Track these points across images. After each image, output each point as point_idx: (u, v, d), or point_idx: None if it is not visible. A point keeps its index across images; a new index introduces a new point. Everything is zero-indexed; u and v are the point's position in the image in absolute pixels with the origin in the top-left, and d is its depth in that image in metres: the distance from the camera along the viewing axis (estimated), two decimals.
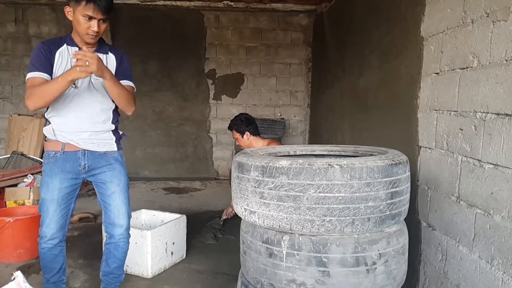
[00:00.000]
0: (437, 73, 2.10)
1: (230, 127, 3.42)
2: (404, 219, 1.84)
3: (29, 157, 5.23)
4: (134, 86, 2.12)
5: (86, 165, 2.07)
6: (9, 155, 5.21)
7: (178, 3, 5.30)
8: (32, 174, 4.30)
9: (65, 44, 2.00)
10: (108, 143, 2.11)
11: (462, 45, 1.87)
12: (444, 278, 1.99)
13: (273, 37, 5.92)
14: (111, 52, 2.09)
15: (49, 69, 1.95)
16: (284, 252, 1.67)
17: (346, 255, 1.62)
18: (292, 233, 1.67)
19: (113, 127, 2.12)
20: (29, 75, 1.92)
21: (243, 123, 3.38)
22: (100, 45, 2.06)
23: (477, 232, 1.74)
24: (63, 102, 1.99)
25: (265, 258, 1.74)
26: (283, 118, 6.02)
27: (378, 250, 1.65)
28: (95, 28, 1.90)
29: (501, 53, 1.60)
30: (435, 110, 2.11)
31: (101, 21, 1.92)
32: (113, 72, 2.01)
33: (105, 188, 2.12)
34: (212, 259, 3.02)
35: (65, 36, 2.03)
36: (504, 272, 1.56)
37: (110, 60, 2.07)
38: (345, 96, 4.04)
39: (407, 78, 2.47)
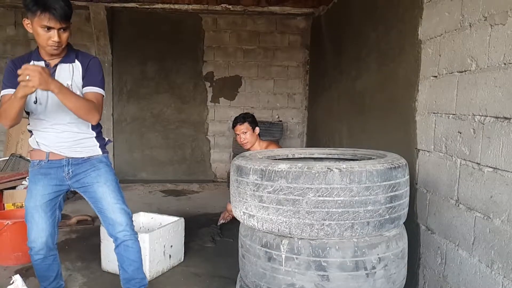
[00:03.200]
0: (435, 76, 2.10)
1: (243, 119, 3.37)
2: (403, 223, 1.84)
3: (28, 160, 5.20)
4: (102, 93, 1.98)
5: (70, 171, 2.04)
6: (7, 158, 5.18)
7: (176, 6, 5.29)
8: None
9: (32, 60, 1.94)
10: (92, 149, 2.08)
11: (460, 49, 1.87)
12: (443, 282, 1.99)
13: (270, 40, 5.92)
14: (78, 59, 1.99)
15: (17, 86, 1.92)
16: (283, 256, 1.67)
17: (345, 259, 1.62)
18: (291, 237, 1.67)
19: (94, 133, 2.07)
20: (1, 92, 1.94)
21: (255, 120, 3.43)
22: (66, 54, 1.96)
23: (476, 235, 1.73)
24: (36, 118, 1.97)
25: (264, 262, 1.73)
26: (280, 121, 6.02)
27: (378, 254, 1.65)
28: (56, 39, 1.81)
29: (499, 56, 1.60)
30: (434, 113, 2.11)
31: (61, 30, 1.83)
32: (78, 79, 1.94)
33: (93, 191, 2.07)
34: (210, 262, 3.00)
35: (34, 51, 1.98)
36: (505, 277, 1.56)
37: (76, 69, 1.97)
38: (343, 99, 4.05)
39: (405, 81, 2.47)
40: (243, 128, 3.35)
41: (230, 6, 5.29)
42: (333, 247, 1.62)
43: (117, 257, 2.16)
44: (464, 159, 1.83)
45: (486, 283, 1.66)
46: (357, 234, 1.61)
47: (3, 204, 3.99)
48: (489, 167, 1.65)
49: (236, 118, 3.42)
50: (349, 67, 3.84)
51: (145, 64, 5.86)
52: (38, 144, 2.03)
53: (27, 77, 1.65)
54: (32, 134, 2.05)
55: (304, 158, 2.32)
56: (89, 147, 2.07)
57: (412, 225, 2.24)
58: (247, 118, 3.39)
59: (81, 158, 2.05)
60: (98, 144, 2.09)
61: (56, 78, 1.88)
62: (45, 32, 1.81)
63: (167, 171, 6.07)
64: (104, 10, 5.28)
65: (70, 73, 1.94)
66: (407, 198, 1.78)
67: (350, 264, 1.62)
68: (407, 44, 2.45)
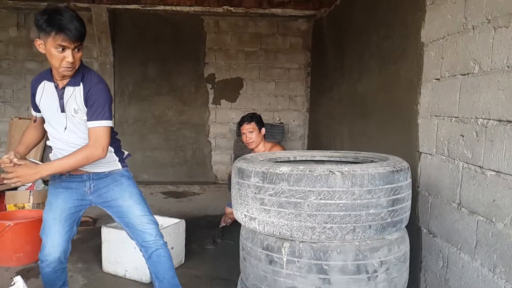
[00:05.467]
0: (438, 79, 2.09)
1: (251, 119, 3.37)
2: (405, 226, 1.83)
3: (30, 161, 5.20)
4: (103, 125, 1.87)
5: (91, 185, 2.03)
6: None
7: (178, 8, 5.30)
8: None
9: (44, 80, 1.96)
10: (112, 164, 2.07)
11: (463, 51, 1.87)
12: (445, 286, 1.98)
13: (272, 42, 5.93)
14: (82, 82, 1.92)
15: (35, 107, 2.04)
16: (285, 259, 1.66)
17: (347, 263, 1.61)
18: (292, 240, 1.66)
19: (112, 149, 2.07)
20: None
21: (261, 121, 3.44)
22: (74, 75, 1.90)
23: (479, 239, 1.72)
24: (55, 138, 1.99)
25: (265, 265, 1.72)
26: (282, 123, 6.02)
27: (379, 258, 1.64)
28: (70, 59, 1.78)
29: (502, 59, 1.60)
30: (436, 116, 2.10)
31: (76, 49, 1.81)
32: (82, 104, 1.90)
33: (118, 205, 2.06)
34: (210, 264, 3.00)
35: (47, 71, 1.97)
36: (507, 281, 1.55)
37: (78, 93, 1.92)
38: (344, 101, 4.04)
39: (407, 83, 2.46)
40: (250, 128, 3.36)
41: (231, 8, 5.30)
42: (334, 250, 1.61)
43: (150, 269, 2.11)
44: (467, 162, 1.82)
45: (488, 287, 1.65)
46: (359, 238, 1.60)
47: (5, 205, 3.99)
48: (492, 170, 1.64)
49: (243, 117, 3.43)
50: (350, 69, 3.84)
51: (146, 66, 5.87)
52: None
53: (13, 180, 1.76)
54: (52, 149, 2.06)
55: (305, 160, 2.31)
56: (109, 162, 2.05)
57: (413, 228, 2.23)
58: (254, 117, 3.40)
59: (102, 172, 2.04)
60: (117, 158, 2.09)
61: (64, 100, 1.90)
62: (59, 52, 1.77)
63: (168, 173, 6.07)
64: (106, 12, 5.30)
65: (76, 97, 1.91)
66: (409, 202, 1.77)
67: (351, 268, 1.61)
68: (409, 46, 2.45)
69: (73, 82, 1.91)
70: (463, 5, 1.87)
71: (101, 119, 1.87)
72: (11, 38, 5.69)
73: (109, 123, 1.89)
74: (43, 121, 2.07)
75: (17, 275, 2.12)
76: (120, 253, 2.75)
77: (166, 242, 2.11)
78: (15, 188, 4.15)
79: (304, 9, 5.37)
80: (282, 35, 5.93)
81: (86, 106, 1.89)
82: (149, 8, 5.31)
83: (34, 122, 2.11)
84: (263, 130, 3.43)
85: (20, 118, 5.67)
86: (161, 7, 5.28)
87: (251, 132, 3.35)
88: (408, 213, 1.78)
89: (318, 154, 2.32)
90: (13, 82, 5.78)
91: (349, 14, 3.96)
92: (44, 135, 2.14)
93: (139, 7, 5.28)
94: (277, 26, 5.90)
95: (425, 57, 2.24)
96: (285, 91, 6.05)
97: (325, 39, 5.02)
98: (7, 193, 4.05)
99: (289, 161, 2.26)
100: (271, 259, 1.70)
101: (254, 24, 5.87)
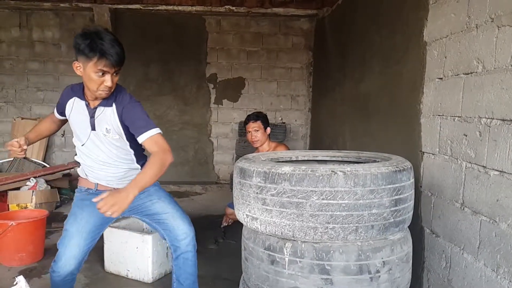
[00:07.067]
0: (441, 78, 2.08)
1: (257, 117, 3.37)
2: (408, 226, 1.82)
3: (32, 161, 5.23)
4: (155, 132, 1.86)
5: None
6: (12, 159, 5.20)
7: (180, 8, 5.30)
8: (34, 177, 4.29)
9: (74, 97, 1.97)
10: None
11: (466, 50, 1.86)
12: (448, 286, 1.97)
13: (274, 42, 5.92)
14: (115, 103, 1.92)
15: (60, 112, 2.10)
16: (287, 259, 1.65)
17: (349, 263, 1.60)
18: (294, 240, 1.65)
19: (139, 166, 2.09)
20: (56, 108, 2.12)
21: (267, 120, 3.43)
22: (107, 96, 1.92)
23: (482, 239, 1.71)
24: (84, 154, 2.01)
25: (267, 265, 1.72)
26: (284, 123, 6.01)
27: (382, 258, 1.63)
28: (109, 83, 1.80)
29: (506, 58, 1.58)
30: (439, 115, 2.09)
31: (114, 74, 1.82)
32: (116, 124, 1.92)
33: (147, 208, 2.07)
34: (212, 264, 2.99)
35: (80, 86, 1.96)
36: (510, 281, 1.54)
37: (113, 114, 1.92)
38: (347, 101, 4.03)
39: (410, 83, 2.45)
40: (256, 126, 3.35)
41: (233, 8, 5.29)
42: (336, 250, 1.60)
43: (174, 269, 2.11)
44: (470, 162, 1.81)
45: (492, 287, 1.64)
46: (361, 238, 1.59)
47: (8, 204, 4.00)
48: (495, 170, 1.63)
49: (249, 116, 3.43)
50: (353, 68, 3.83)
51: (148, 66, 5.87)
52: (87, 176, 2.07)
53: (108, 213, 1.63)
54: (80, 164, 2.09)
55: (307, 160, 2.30)
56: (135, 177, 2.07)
57: (416, 228, 2.22)
58: (260, 116, 3.40)
59: None
60: None
61: (96, 120, 1.91)
62: (98, 77, 1.78)
63: (170, 173, 6.00)
64: (108, 12, 5.30)
65: (109, 117, 1.92)
66: (412, 201, 1.76)
67: (354, 268, 1.60)
68: (412, 45, 2.44)
69: (106, 103, 1.91)
70: (466, 4, 1.86)
71: (150, 128, 1.86)
72: (14, 38, 5.70)
73: (158, 129, 1.88)
74: (61, 121, 2.16)
75: (19, 275, 2.12)
76: (122, 253, 2.75)
77: (196, 245, 2.10)
78: (18, 188, 4.17)
79: (306, 9, 5.36)
80: (284, 34, 5.92)
81: (125, 125, 1.90)
82: (151, 8, 5.32)
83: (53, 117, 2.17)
84: (268, 129, 3.43)
85: (22, 118, 5.69)
86: (163, 7, 5.28)
87: (257, 130, 3.35)
88: (411, 213, 1.77)
89: (320, 154, 2.31)
90: (15, 82, 5.79)
91: (352, 13, 3.94)
92: (57, 130, 2.22)
93: (141, 7, 5.29)
94: (279, 26, 5.89)
95: (428, 56, 2.22)
96: (287, 91, 6.04)
97: (327, 38, 5.01)
98: (10, 193, 4.06)
99: (291, 161, 2.25)
100: (273, 259, 1.69)
101: (256, 24, 5.86)
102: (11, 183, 4.12)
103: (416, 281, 2.22)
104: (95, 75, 1.77)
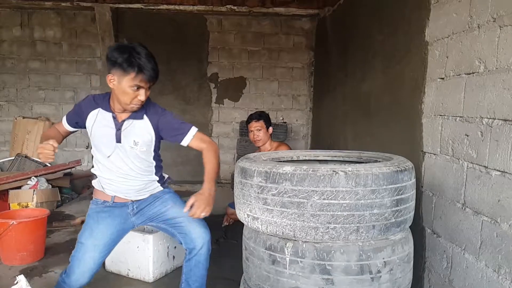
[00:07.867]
0: (442, 78, 2.08)
1: (259, 117, 3.37)
2: (409, 226, 1.81)
3: (33, 160, 5.23)
4: (195, 131, 2.03)
5: (134, 207, 2.08)
6: (13, 158, 5.22)
7: (181, 7, 5.30)
8: (35, 176, 4.30)
9: (99, 108, 1.96)
10: (155, 189, 2.15)
11: (468, 50, 1.85)
12: (449, 287, 1.96)
13: (275, 41, 5.91)
14: (147, 115, 1.96)
15: (73, 124, 2.08)
16: (288, 259, 1.65)
17: (350, 263, 1.60)
18: (295, 240, 1.65)
19: (157, 178, 2.14)
20: (64, 117, 2.10)
21: (269, 119, 3.43)
22: (137, 110, 1.95)
23: (483, 240, 1.71)
24: (105, 166, 2.00)
25: (268, 265, 1.71)
26: (285, 122, 6.00)
27: (383, 258, 1.63)
28: (143, 98, 1.83)
29: (508, 58, 1.58)
30: (440, 115, 2.09)
31: (148, 88, 1.86)
32: (149, 136, 1.95)
33: (162, 214, 2.09)
34: (213, 263, 2.97)
35: (104, 97, 1.96)
36: None
37: (145, 126, 1.95)
38: (348, 100, 4.02)
39: (411, 83, 2.45)
40: (258, 126, 3.36)
41: (235, 7, 5.29)
42: (338, 250, 1.60)
43: (184, 269, 2.12)
44: (471, 162, 1.81)
45: None
46: (363, 238, 1.59)
47: (9, 203, 4.01)
48: (497, 170, 1.63)
49: (251, 115, 3.43)
50: (354, 68, 3.82)
51: None
52: (103, 188, 2.06)
53: (202, 214, 1.89)
54: (96, 176, 2.08)
55: (308, 160, 2.30)
56: (153, 189, 2.13)
57: (417, 228, 2.22)
58: (263, 116, 3.41)
59: (144, 198, 2.11)
60: (159, 185, 2.17)
61: (123, 133, 1.92)
62: (133, 91, 1.80)
63: (171, 172, 6.00)
64: (109, 11, 5.30)
65: (138, 130, 1.93)
66: (413, 202, 1.76)
67: (355, 268, 1.60)
68: (413, 45, 2.43)
69: (136, 115, 1.93)
70: (468, 4, 1.85)
71: (189, 129, 2.02)
72: (15, 37, 5.71)
73: (194, 127, 2.05)
74: (68, 133, 2.14)
75: (20, 274, 2.13)
76: (123, 252, 2.75)
77: (210, 249, 2.12)
78: (19, 187, 4.17)
79: (307, 8, 5.35)
80: (285, 34, 5.91)
81: (159, 135, 1.99)
82: (152, 7, 5.32)
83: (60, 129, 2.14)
84: (271, 129, 3.43)
85: (24, 117, 5.70)
86: (164, 6, 5.28)
87: (259, 130, 3.35)
88: (412, 213, 1.77)
89: (321, 154, 2.31)
90: (17, 82, 5.80)
91: (353, 13, 3.94)
92: (60, 143, 2.12)
93: (142, 6, 5.29)
94: (280, 25, 5.88)
95: (429, 56, 2.22)
96: (288, 90, 6.04)
97: (329, 38, 5.00)
98: (11, 192, 4.07)
99: (292, 161, 2.25)
100: (274, 259, 1.69)
101: (257, 23, 5.85)
102: (12, 182, 4.13)
103: (417, 282, 2.21)
104: (130, 89, 1.79)
